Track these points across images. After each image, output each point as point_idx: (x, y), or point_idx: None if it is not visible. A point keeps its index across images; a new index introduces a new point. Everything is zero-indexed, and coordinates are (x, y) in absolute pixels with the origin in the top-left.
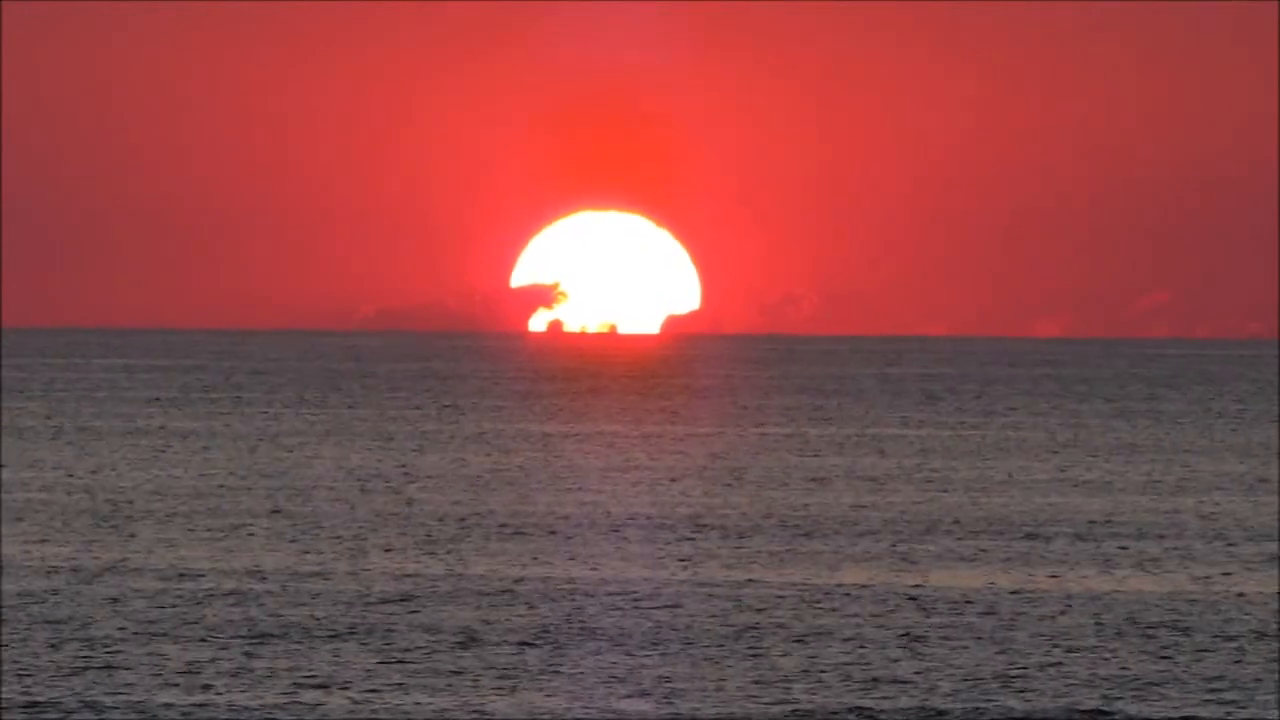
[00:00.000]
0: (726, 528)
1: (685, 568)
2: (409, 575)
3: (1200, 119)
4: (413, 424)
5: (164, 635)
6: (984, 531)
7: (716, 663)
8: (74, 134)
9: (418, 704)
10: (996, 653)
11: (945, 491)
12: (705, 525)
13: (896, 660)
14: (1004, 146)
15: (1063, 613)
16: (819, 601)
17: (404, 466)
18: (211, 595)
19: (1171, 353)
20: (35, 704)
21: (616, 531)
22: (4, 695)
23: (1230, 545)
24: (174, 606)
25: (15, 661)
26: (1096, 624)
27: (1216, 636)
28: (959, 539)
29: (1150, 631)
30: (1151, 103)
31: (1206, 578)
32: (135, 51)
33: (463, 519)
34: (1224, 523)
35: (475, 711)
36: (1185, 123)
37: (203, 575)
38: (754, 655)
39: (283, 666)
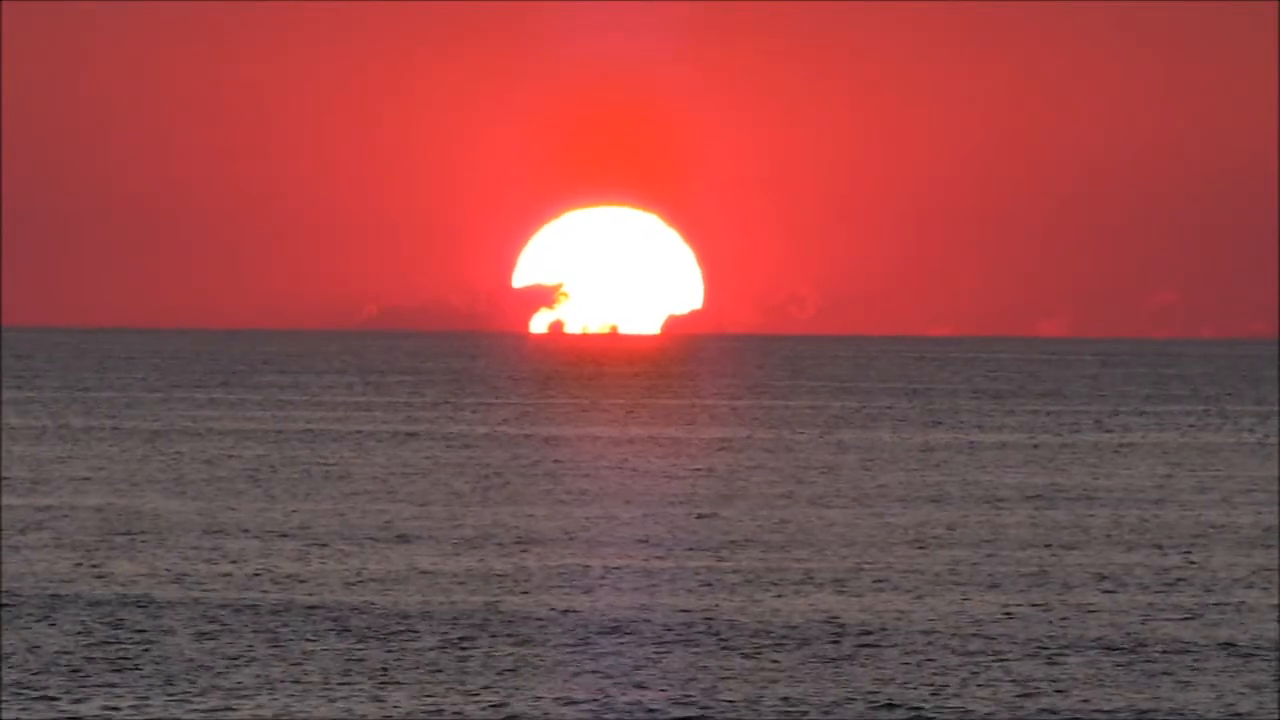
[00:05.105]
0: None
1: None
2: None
3: (1205, 119)
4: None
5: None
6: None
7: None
8: (75, 134)
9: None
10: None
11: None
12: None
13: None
14: (1009, 146)
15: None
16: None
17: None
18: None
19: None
20: None
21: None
22: None
23: None
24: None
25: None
26: None
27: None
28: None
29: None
30: (1155, 103)
31: None
32: (136, 51)
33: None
34: None
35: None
36: (1189, 123)
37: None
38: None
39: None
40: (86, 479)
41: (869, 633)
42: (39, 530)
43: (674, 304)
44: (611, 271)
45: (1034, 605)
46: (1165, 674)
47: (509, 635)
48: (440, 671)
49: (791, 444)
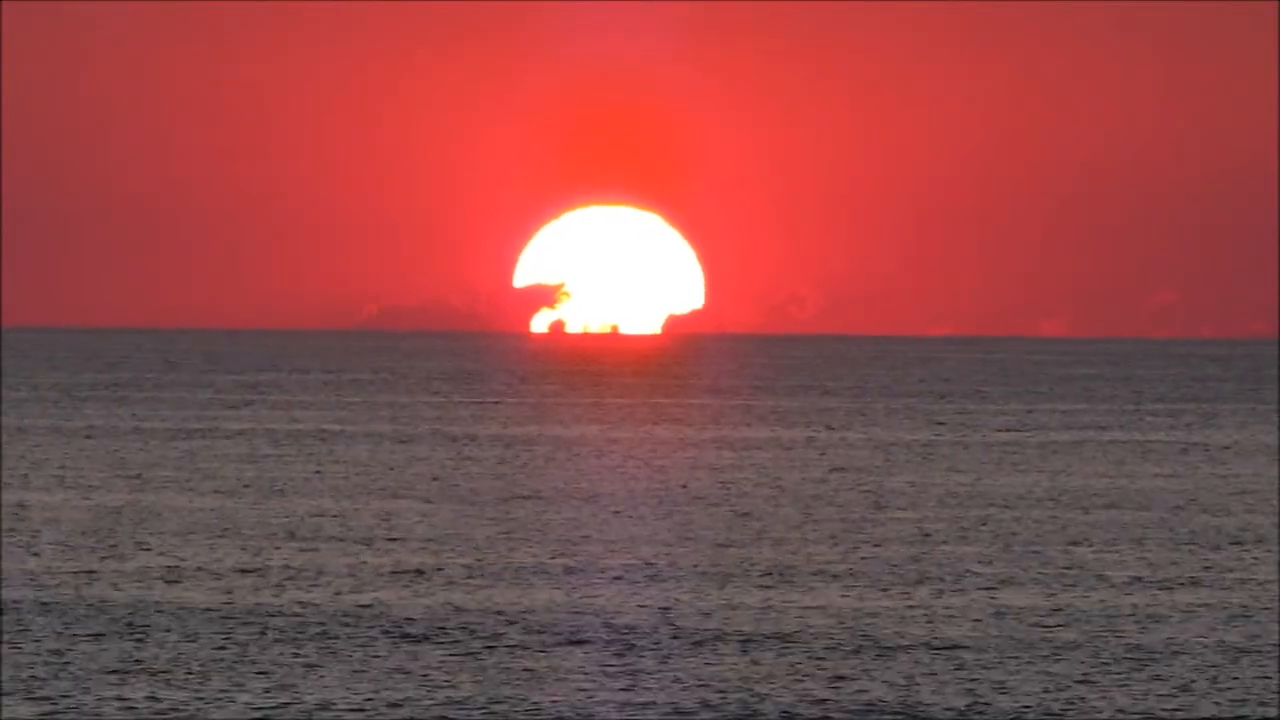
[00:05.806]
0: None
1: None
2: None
3: (1205, 119)
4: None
5: None
6: None
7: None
8: (75, 134)
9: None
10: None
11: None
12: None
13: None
14: (1009, 146)
15: None
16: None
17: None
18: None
19: None
20: None
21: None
22: None
23: None
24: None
25: None
26: None
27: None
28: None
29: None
30: (1155, 103)
31: None
32: (136, 51)
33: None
34: None
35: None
36: (1189, 123)
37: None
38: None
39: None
40: (102, 477)
41: (896, 631)
42: (50, 529)
43: (675, 304)
44: (613, 271)
45: (1059, 606)
46: (1180, 676)
47: (529, 634)
48: (460, 670)
49: (802, 443)
